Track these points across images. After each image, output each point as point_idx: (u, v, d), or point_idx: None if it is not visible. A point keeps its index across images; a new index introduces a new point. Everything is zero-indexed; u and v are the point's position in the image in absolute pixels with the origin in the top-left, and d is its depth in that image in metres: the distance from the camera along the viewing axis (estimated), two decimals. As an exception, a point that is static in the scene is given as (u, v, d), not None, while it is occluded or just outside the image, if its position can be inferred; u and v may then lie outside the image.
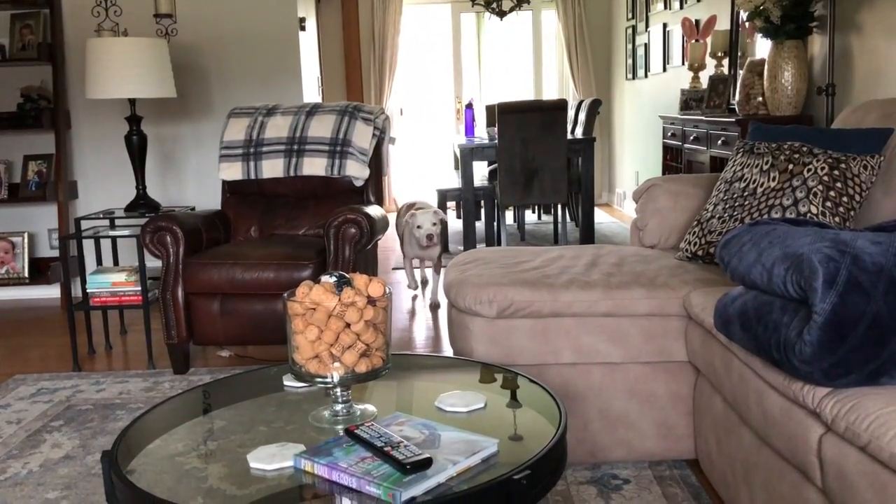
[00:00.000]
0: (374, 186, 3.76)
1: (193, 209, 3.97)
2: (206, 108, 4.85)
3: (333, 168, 3.65)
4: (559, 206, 6.19)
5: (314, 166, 3.67)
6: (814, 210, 2.24)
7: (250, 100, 4.76)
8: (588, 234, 5.60)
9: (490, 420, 1.59)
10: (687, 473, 2.30)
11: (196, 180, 4.91)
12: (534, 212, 7.76)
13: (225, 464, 1.42)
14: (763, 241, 1.60)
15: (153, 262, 3.52)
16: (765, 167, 2.43)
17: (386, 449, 1.33)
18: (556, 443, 1.43)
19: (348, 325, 1.50)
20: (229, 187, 3.82)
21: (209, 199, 4.74)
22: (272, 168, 3.70)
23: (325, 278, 1.54)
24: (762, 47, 4.12)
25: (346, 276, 1.55)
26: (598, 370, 2.34)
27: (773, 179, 2.38)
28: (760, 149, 2.50)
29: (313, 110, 3.80)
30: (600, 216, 7.37)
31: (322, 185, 3.72)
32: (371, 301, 1.52)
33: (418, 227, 4.16)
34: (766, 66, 3.82)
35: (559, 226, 6.20)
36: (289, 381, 1.80)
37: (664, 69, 6.26)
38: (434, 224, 4.16)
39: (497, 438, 1.41)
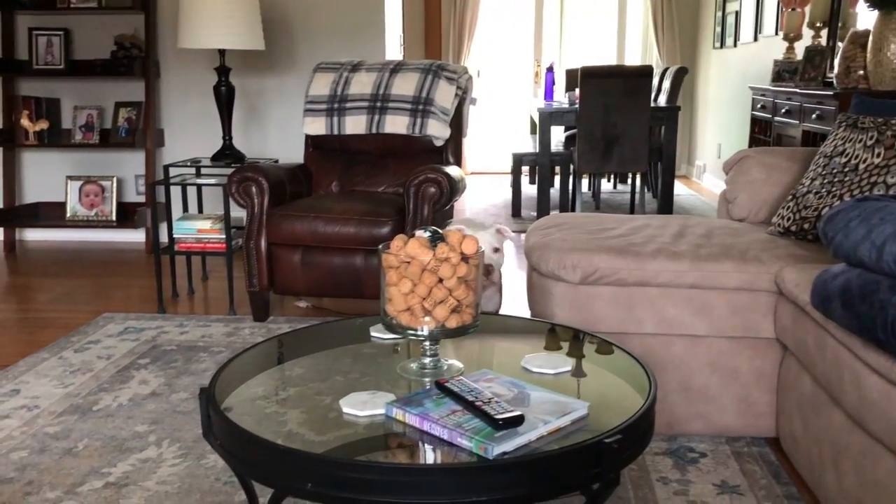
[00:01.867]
0: (454, 147, 3.75)
1: (276, 161, 4.04)
2: (290, 62, 4.90)
3: (415, 127, 3.65)
4: (637, 176, 6.08)
5: (396, 124, 3.67)
6: (922, 189, 2.14)
7: (334, 55, 4.78)
8: (667, 205, 5.49)
9: (577, 384, 1.59)
10: (766, 451, 2.26)
11: (279, 133, 4.98)
12: (609, 181, 7.64)
13: (316, 409, 1.45)
14: (874, 217, 1.54)
15: (237, 212, 3.60)
16: (869, 142, 2.33)
17: (477, 403, 1.33)
18: (647, 410, 1.41)
19: (441, 281, 1.50)
20: (312, 142, 3.86)
21: (291, 153, 4.81)
22: (355, 124, 3.72)
23: (419, 233, 1.55)
24: (866, 18, 3.92)
25: (440, 231, 1.55)
26: (680, 342, 2.30)
27: (878, 156, 2.28)
28: (865, 123, 2.39)
29: (397, 68, 3.80)
30: (678, 188, 7.20)
31: (403, 144, 3.73)
32: (464, 258, 1.52)
33: None
34: (870, 38, 3.63)
35: (636, 196, 6.10)
36: (377, 333, 1.82)
37: (755, 38, 6.03)
38: (496, 250, 2.51)
39: (587, 402, 1.41)
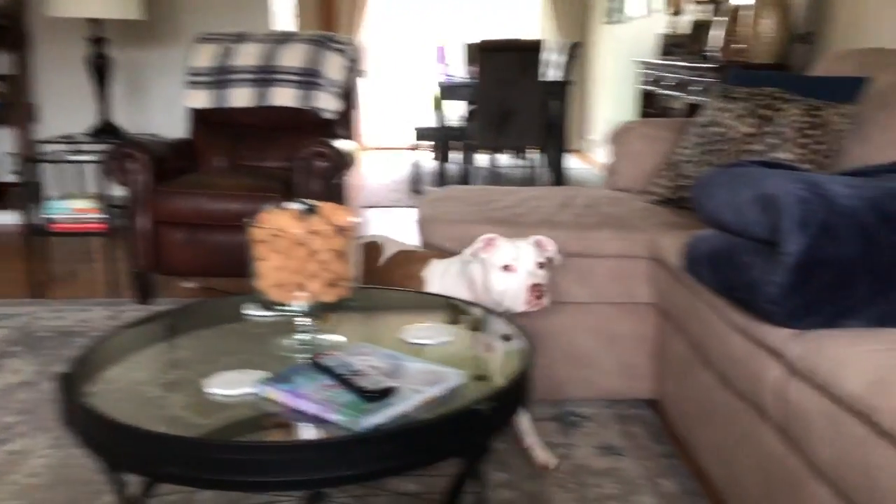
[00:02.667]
0: (346, 120, 3.69)
1: (160, 137, 3.87)
2: (174, 33, 4.69)
3: (304, 99, 3.56)
4: (533, 150, 6.15)
5: (284, 97, 3.58)
6: (788, 157, 2.24)
7: (220, 26, 4.60)
8: (560, 178, 5.58)
9: (457, 353, 1.58)
10: (646, 413, 2.33)
11: (163, 108, 4.77)
12: (508, 154, 7.70)
13: (184, 391, 1.40)
14: (737, 182, 1.59)
15: (119, 190, 3.43)
16: (740, 112, 2.41)
17: (349, 377, 1.31)
18: (522, 376, 1.42)
19: (314, 254, 1.47)
20: (197, 116, 3.72)
21: (177, 128, 4.60)
22: (241, 97, 3.61)
23: (290, 204, 1.50)
24: (744, -7, 4.06)
25: (312, 203, 1.51)
26: (564, 309, 2.34)
27: (748, 125, 2.37)
28: (737, 94, 2.48)
29: (284, 39, 3.69)
30: (573, 162, 7.34)
31: (292, 117, 3.64)
32: (338, 230, 1.48)
33: (506, 267, 1.87)
34: (748, 13, 3.77)
35: (532, 170, 6.18)
36: (251, 311, 1.76)
37: (646, 13, 6.18)
38: (541, 265, 1.88)
39: (463, 370, 1.40)
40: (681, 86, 4.27)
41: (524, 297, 1.83)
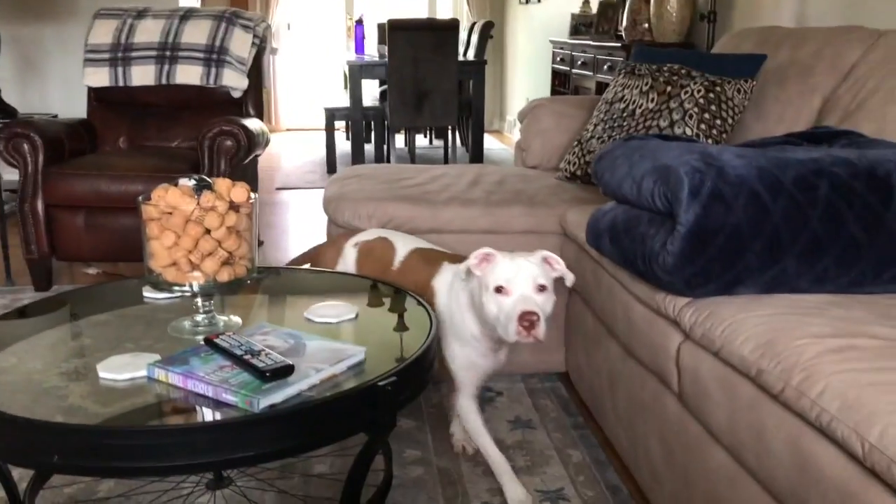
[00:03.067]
0: (254, 99, 3.59)
1: (56, 117, 3.69)
2: (71, 8, 4.47)
3: (209, 77, 3.45)
4: (450, 131, 6.15)
5: (188, 74, 3.45)
6: (689, 132, 2.29)
7: (120, 1, 4.42)
8: (477, 159, 5.59)
9: (361, 330, 1.56)
10: (557, 386, 2.36)
11: (61, 87, 4.56)
12: (425, 136, 7.68)
13: (73, 377, 1.33)
14: (634, 155, 1.61)
15: (11, 174, 3.26)
16: (644, 88, 2.45)
17: (246, 357, 1.27)
18: (424, 351, 1.41)
19: (208, 232, 1.42)
20: (96, 95, 3.56)
21: (76, 108, 4.40)
22: (143, 75, 3.46)
23: (183, 181, 1.45)
24: (651, -26, 4.13)
25: (207, 179, 1.46)
26: (475, 286, 2.34)
27: (652, 101, 2.41)
28: (641, 70, 2.52)
29: (187, 15, 3.56)
30: (491, 142, 7.37)
31: (197, 96, 3.52)
32: (234, 206, 1.43)
33: (499, 289, 1.58)
34: (653, -7, 3.84)
35: (449, 151, 6.17)
36: (148, 293, 1.70)
37: (557, -6, 6.23)
38: (541, 288, 1.58)
39: (365, 347, 1.38)
40: (592, 65, 4.32)
41: (513, 326, 1.50)
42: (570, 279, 1.64)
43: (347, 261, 2.01)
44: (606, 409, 1.97)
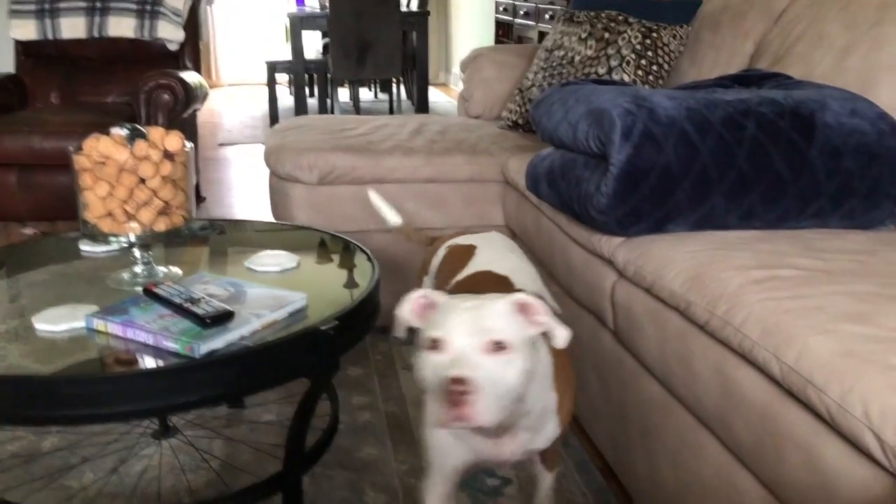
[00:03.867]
0: (192, 51, 3.51)
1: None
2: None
3: (143, 29, 3.35)
4: (394, 84, 6.09)
5: (121, 27, 3.35)
6: (626, 78, 2.32)
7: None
8: (423, 112, 5.57)
9: (302, 279, 1.57)
10: (503, 331, 2.41)
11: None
12: (370, 89, 7.60)
13: (10, 330, 1.32)
14: (570, 99, 1.63)
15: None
16: (583, 36, 2.47)
17: (185, 305, 1.27)
18: (367, 296, 1.43)
19: (143, 181, 1.40)
20: (24, 48, 3.44)
21: (3, 63, 4.25)
22: (72, 27, 3.35)
23: (115, 130, 1.42)
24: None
25: (140, 128, 1.44)
26: (419, 236, 2.36)
27: (591, 48, 2.43)
28: (580, 17, 2.53)
29: (118, -37, 3.44)
30: (436, 95, 7.33)
31: (132, 49, 3.42)
32: (168, 155, 1.42)
33: (433, 344, 0.99)
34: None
35: (394, 104, 6.13)
36: (86, 246, 1.68)
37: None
38: (495, 345, 0.98)
39: (306, 293, 1.39)
40: (534, 14, 4.32)
41: (438, 398, 0.95)
42: (562, 337, 1.04)
43: (436, 260, 1.54)
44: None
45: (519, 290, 1.16)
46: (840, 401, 0.93)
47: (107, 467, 1.68)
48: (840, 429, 0.94)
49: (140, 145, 1.39)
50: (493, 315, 1.01)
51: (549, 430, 1.18)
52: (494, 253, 1.44)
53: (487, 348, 0.97)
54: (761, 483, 1.11)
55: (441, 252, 1.54)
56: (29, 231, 3.34)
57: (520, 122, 2.60)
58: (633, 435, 1.51)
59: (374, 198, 1.82)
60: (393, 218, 1.82)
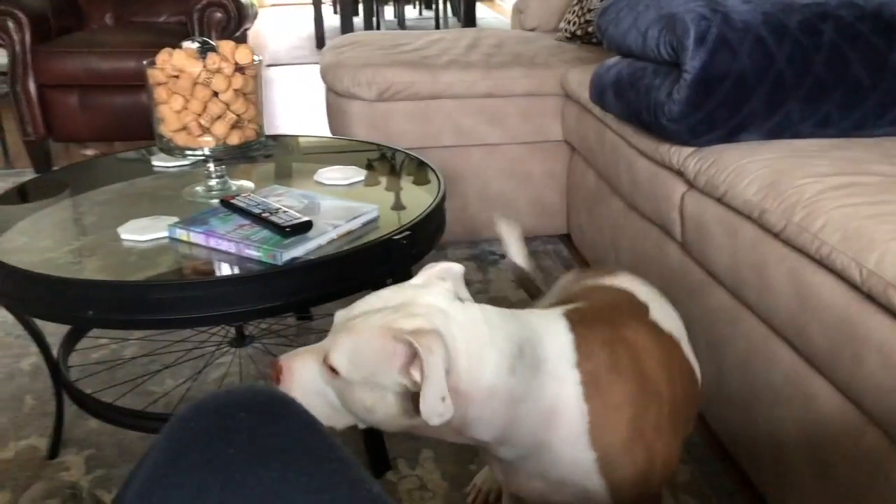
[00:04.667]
0: (241, -31, 3.47)
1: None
2: None
3: (193, -54, 3.32)
4: (440, 0, 5.97)
5: (171, -56, 3.32)
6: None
7: None
8: (470, 27, 5.46)
9: (370, 192, 1.59)
10: (560, 247, 2.42)
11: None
12: (415, 7, 7.47)
13: (96, 241, 1.37)
14: (639, 5, 1.59)
15: (-3, 55, 3.20)
16: (645, -58, 2.38)
17: (264, 215, 1.31)
18: (435, 207, 1.45)
19: (216, 94, 1.42)
20: (76, -31, 3.44)
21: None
22: (123, -54, 3.33)
23: (186, 44, 1.44)
24: None
25: (211, 41, 1.45)
26: (477, 152, 2.36)
27: (653, -46, 2.34)
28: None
29: None
30: (483, 11, 7.18)
31: (182, -33, 3.40)
32: (239, 68, 1.43)
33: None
34: None
35: (440, 21, 6.02)
36: (158, 161, 1.72)
37: None
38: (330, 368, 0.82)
39: (377, 205, 1.42)
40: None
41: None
42: (424, 408, 0.76)
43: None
44: (609, 261, 2.03)
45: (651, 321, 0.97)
46: (925, 303, 0.93)
47: (186, 374, 1.76)
48: (923, 331, 0.94)
49: (212, 58, 1.40)
50: (353, 335, 0.82)
51: (587, 493, 0.91)
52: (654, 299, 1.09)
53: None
54: (835, 388, 1.13)
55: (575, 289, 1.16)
56: (90, 152, 3.41)
57: (578, 33, 2.54)
58: (701, 345, 1.53)
59: (505, 229, 1.40)
60: (518, 257, 1.41)
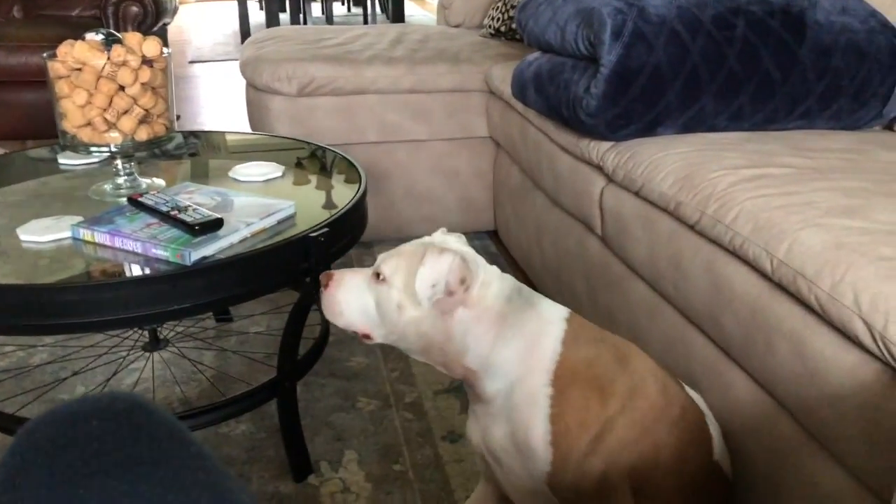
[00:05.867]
0: (159, -38, 3.36)
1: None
2: None
3: (107, -63, 3.20)
4: (368, -4, 5.92)
5: (83, -66, 3.20)
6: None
7: None
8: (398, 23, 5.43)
9: (288, 188, 1.55)
10: (487, 243, 2.42)
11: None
12: (343, 3, 7.40)
13: (-8, 241, 1.29)
14: (557, 0, 1.59)
15: None
16: (567, -62, 2.39)
17: (173, 213, 1.26)
18: (356, 203, 1.42)
19: (122, 88, 1.36)
20: (-20, -41, 3.28)
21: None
22: (31, -65, 3.19)
23: (90, 35, 1.37)
24: None
25: (116, 33, 1.38)
26: (402, 148, 2.33)
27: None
28: (563, -81, 2.45)
29: None
30: (412, 9, 7.15)
31: (95, -42, 3.27)
32: (147, 61, 1.37)
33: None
34: None
35: (368, 18, 5.97)
36: (65, 159, 1.64)
37: None
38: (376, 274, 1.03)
39: (294, 201, 1.38)
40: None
41: None
42: (419, 282, 0.97)
43: None
44: (534, 260, 2.03)
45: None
46: (831, 291, 0.95)
47: (97, 380, 1.68)
48: (830, 318, 0.96)
49: (117, 50, 1.34)
50: (404, 253, 1.02)
51: (530, 432, 0.97)
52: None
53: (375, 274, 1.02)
54: (750, 376, 1.14)
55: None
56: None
57: (502, 29, 2.54)
58: (622, 336, 1.54)
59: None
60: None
